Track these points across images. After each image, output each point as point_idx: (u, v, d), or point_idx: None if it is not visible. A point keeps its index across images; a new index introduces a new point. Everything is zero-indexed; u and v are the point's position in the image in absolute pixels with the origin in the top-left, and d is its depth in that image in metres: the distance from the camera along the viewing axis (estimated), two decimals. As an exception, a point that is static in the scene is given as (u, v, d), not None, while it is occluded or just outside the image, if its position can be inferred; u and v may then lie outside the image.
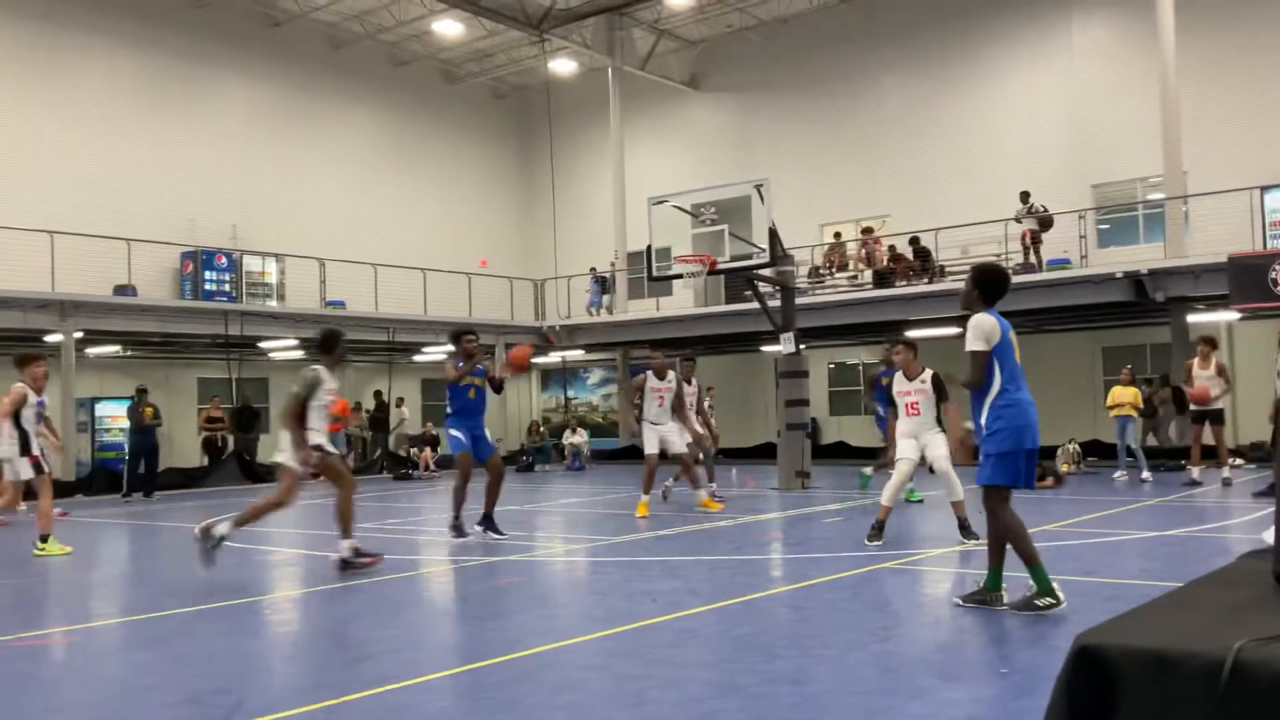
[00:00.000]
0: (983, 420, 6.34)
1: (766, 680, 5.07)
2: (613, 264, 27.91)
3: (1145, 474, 16.09)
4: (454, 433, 10.81)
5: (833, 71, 27.30)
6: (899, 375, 10.13)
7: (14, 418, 10.55)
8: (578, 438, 25.35)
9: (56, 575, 9.69)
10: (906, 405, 9.87)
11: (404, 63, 29.83)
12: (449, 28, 27.57)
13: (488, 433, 11.01)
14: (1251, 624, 2.12)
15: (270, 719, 4.68)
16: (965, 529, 9.54)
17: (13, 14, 22.43)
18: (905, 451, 9.82)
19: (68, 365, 19.90)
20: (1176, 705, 2.00)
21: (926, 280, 22.52)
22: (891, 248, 23.85)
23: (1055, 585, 6.33)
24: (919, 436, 9.81)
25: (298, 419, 8.76)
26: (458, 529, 10.88)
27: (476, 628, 6.92)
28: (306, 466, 8.75)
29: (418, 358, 27.66)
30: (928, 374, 9.89)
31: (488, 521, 11.02)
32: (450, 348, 11.31)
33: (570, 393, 31.31)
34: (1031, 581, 6.37)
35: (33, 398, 10.71)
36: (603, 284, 27.98)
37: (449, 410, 10.95)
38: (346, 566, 8.84)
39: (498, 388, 11.20)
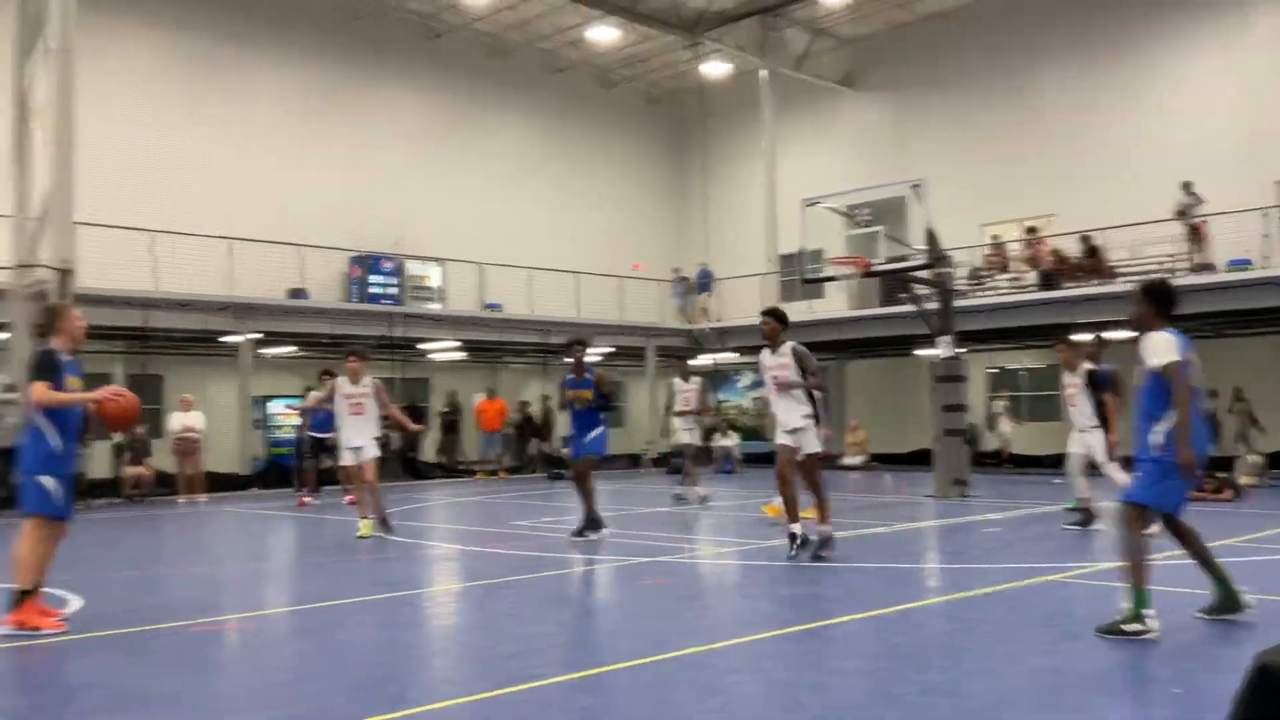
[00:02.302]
0: (1158, 439, 6.02)
1: (921, 691, 4.95)
2: (695, 268, 27.74)
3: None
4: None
5: (993, 66, 26.46)
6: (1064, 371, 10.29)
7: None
8: (728, 441, 25.31)
9: (234, 564, 10.25)
10: (1066, 399, 10.31)
11: (559, 69, 30.39)
12: (604, 34, 27.95)
13: (591, 435, 11.46)
14: None
15: (431, 708, 4.83)
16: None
17: (192, 33, 23.83)
18: (1071, 445, 10.33)
19: (244, 365, 21.00)
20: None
21: (1096, 282, 21.57)
22: (1055, 250, 22.94)
23: (1151, 614, 5.91)
24: (1081, 431, 10.20)
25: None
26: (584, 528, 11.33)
27: (626, 627, 6.98)
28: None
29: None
30: (1084, 369, 9.97)
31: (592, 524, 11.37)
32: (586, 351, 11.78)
33: (720, 396, 31.30)
34: (1127, 604, 5.99)
35: (346, 387, 11.80)
36: (686, 285, 27.77)
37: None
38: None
39: (604, 400, 11.39)
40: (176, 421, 18.78)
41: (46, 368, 6.65)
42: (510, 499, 18.13)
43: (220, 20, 24.17)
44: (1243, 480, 16.49)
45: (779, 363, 9.36)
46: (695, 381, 16.48)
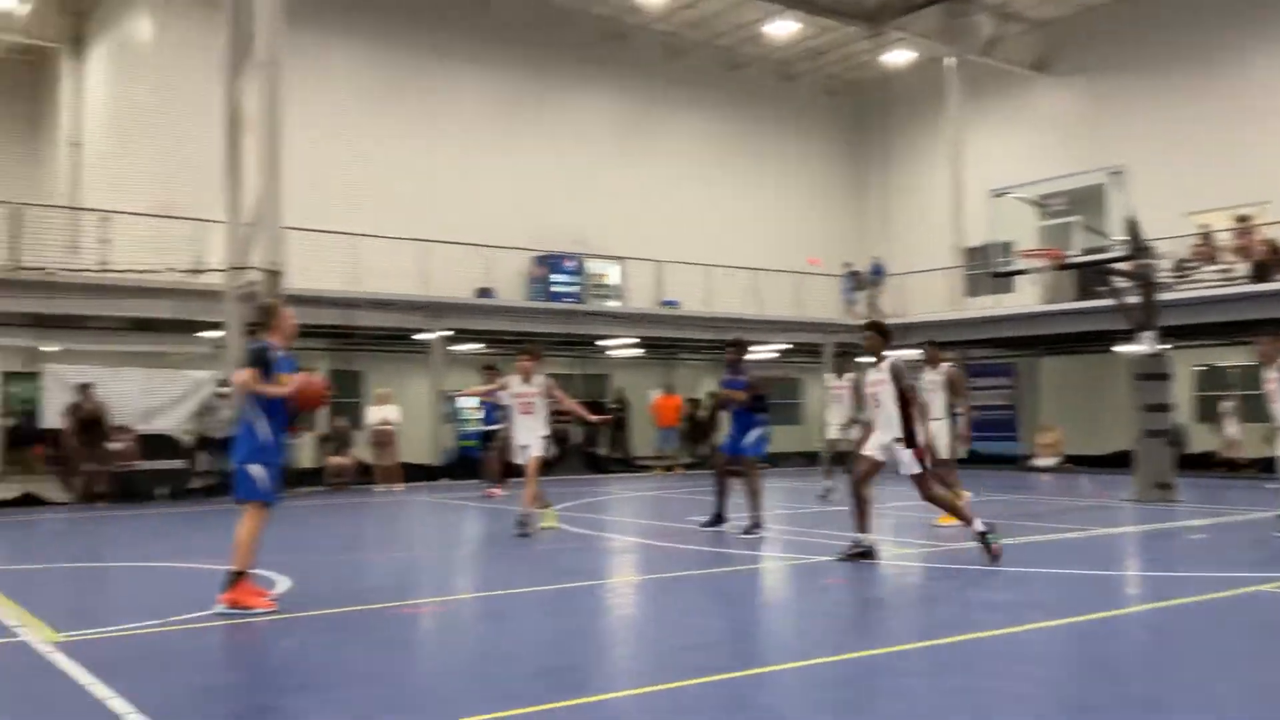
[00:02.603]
0: None
1: (1120, 703, 4.71)
2: (868, 261, 26.91)
3: None
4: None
5: (1198, 44, 24.84)
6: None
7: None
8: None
9: (427, 550, 10.69)
10: (1267, 396, 9.57)
11: (738, 66, 30.32)
12: (783, 28, 27.73)
13: (750, 436, 11.43)
14: None
15: (615, 696, 4.93)
16: None
17: (389, 44, 24.97)
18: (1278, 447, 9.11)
19: (436, 361, 21.87)
20: None
21: (1315, 273, 19.99)
22: (1269, 241, 21.35)
23: None
24: None
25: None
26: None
27: (805, 626, 6.92)
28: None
29: (748, 356, 27.97)
30: None
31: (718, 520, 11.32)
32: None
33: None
34: None
35: (517, 386, 11.83)
36: (856, 280, 27.05)
37: None
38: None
39: (757, 401, 11.29)
40: (374, 415, 19.72)
41: (258, 361, 7.10)
42: (685, 494, 18.23)
43: (415, 31, 25.26)
44: None
45: (877, 378, 9.06)
46: (848, 379, 16.01)
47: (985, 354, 28.59)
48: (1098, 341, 23.98)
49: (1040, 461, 24.20)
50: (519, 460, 11.80)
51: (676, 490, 19.07)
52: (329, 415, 20.22)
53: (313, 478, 19.62)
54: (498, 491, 17.48)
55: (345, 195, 22.89)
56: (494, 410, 16.96)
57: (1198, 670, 5.31)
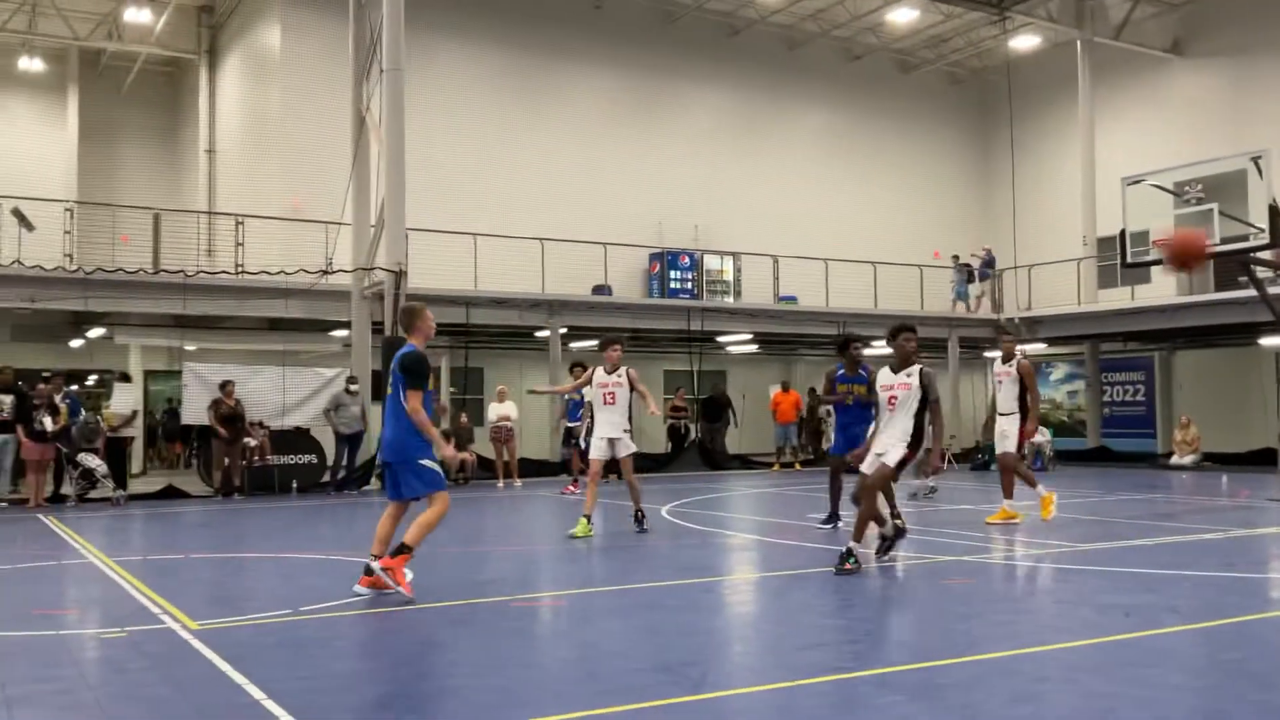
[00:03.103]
0: None
1: (1262, 712, 4.49)
2: (981, 253, 26.02)
3: None
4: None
5: (1352, 19, 23.46)
6: None
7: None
8: (1039, 436, 23.92)
9: (546, 545, 10.83)
10: None
11: (857, 56, 29.88)
12: (904, 15, 27.22)
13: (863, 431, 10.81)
14: None
15: (734, 693, 4.91)
16: None
17: (509, 47, 25.39)
18: None
19: (554, 358, 22.16)
20: None
21: None
22: None
23: None
24: None
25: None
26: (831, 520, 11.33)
27: (927, 626, 6.79)
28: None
29: (867, 351, 27.54)
30: None
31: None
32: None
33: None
34: None
35: (601, 376, 11.39)
36: (969, 273, 26.24)
37: None
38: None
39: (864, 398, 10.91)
40: (493, 411, 20.08)
41: (420, 374, 7.34)
42: (803, 491, 18.07)
43: (532, 32, 25.64)
44: None
45: (901, 382, 8.73)
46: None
47: (1119, 348, 27.59)
48: (1238, 334, 22.91)
49: (1178, 459, 23.21)
50: (597, 455, 11.30)
51: (794, 487, 18.91)
52: (452, 412, 20.66)
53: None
54: (573, 489, 17.24)
55: (467, 196, 23.40)
56: (579, 407, 16.98)
57: (1350, 681, 5.02)
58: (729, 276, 25.85)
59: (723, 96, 28.13)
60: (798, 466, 24.34)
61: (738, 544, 11.33)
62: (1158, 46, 27.01)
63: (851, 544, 8.53)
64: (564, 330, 22.49)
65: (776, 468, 23.95)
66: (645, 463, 22.75)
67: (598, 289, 23.53)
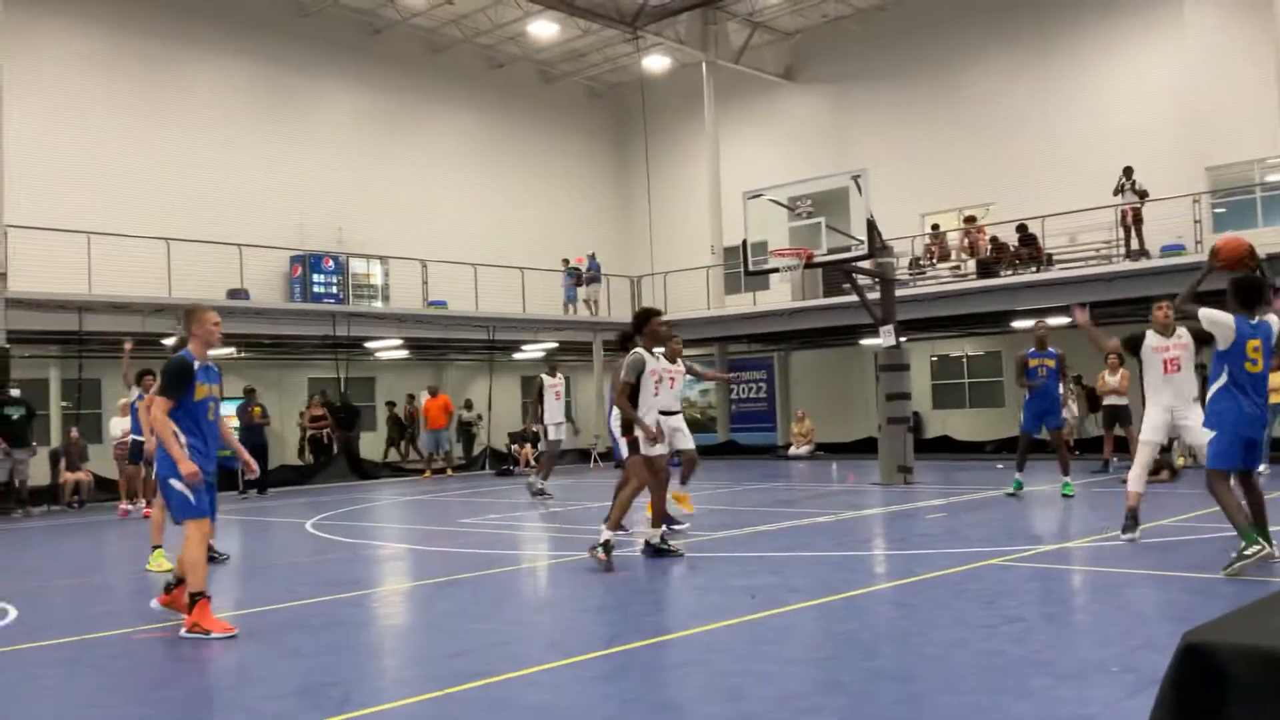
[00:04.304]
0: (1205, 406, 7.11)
1: (868, 678, 5.02)
2: (585, 258, 27.55)
3: (1262, 467, 15.16)
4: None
5: (931, 57, 26.79)
6: (1151, 333, 9.12)
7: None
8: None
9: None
10: (1165, 362, 9.02)
11: (500, 65, 30.23)
12: (544, 29, 27.85)
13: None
14: (1374, 623, 2.02)
15: (377, 710, 4.80)
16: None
17: (127, 30, 23.36)
18: (1151, 432, 8.96)
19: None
20: (1290, 707, 1.92)
21: (1034, 269, 21.95)
22: (994, 238, 23.31)
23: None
24: (1175, 408, 8.93)
25: (631, 402, 8.77)
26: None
27: (575, 622, 6.99)
28: (653, 442, 8.84)
29: (517, 355, 28.03)
30: (1184, 332, 8.95)
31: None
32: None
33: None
34: (1241, 541, 7.01)
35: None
36: (577, 276, 27.24)
37: None
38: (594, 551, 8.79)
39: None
40: (116, 427, 18.43)
41: (171, 378, 6.66)
42: (456, 497, 18.05)
43: (157, 17, 23.76)
44: (1179, 462, 16.86)
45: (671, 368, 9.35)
46: (560, 377, 16.29)
47: (744, 349, 29.75)
48: (844, 336, 25.44)
49: (795, 450, 25.41)
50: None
51: (447, 493, 18.83)
52: (63, 429, 18.73)
53: (48, 496, 18.12)
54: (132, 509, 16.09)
55: (79, 190, 21.30)
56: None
57: (938, 641, 5.72)
58: (376, 280, 25.29)
59: (365, 96, 27.47)
60: (450, 472, 24.26)
61: (387, 554, 11.11)
62: (772, 72, 29.45)
63: (608, 534, 8.68)
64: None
65: (428, 474, 23.73)
66: (288, 475, 21.78)
67: (233, 293, 22.18)
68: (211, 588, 6.76)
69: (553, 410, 15.75)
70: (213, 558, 9.76)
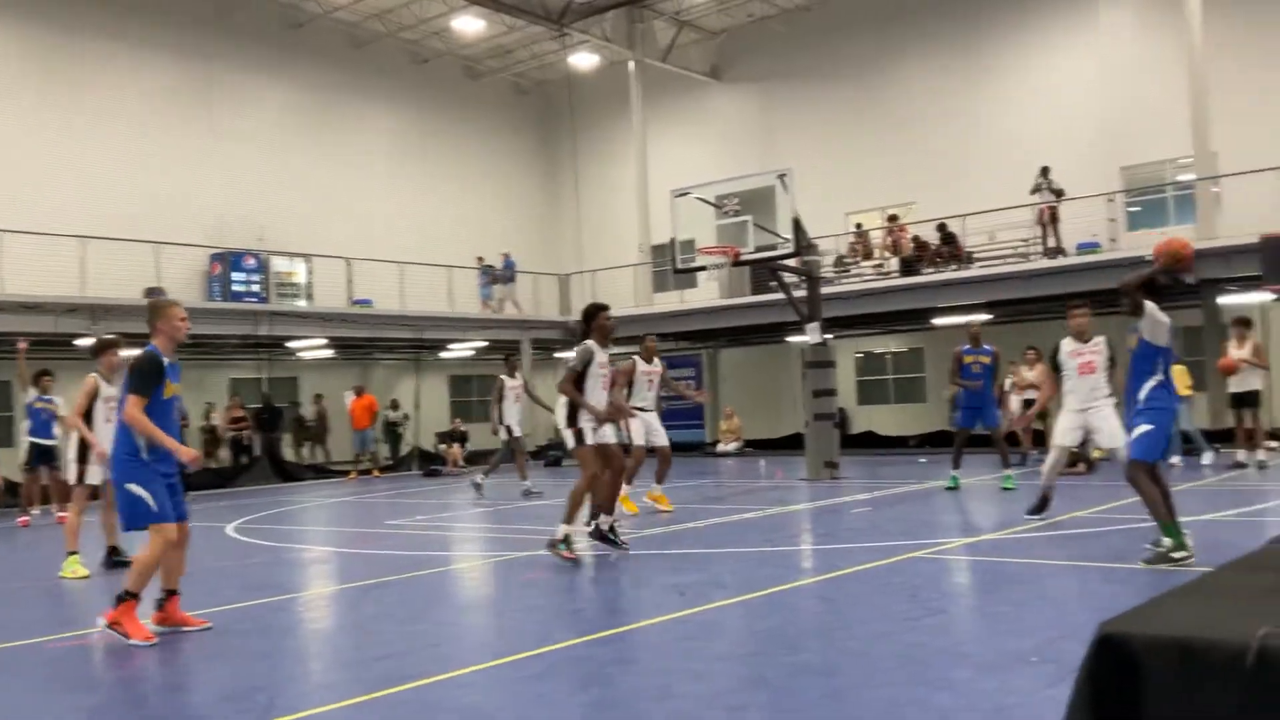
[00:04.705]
0: (1140, 400, 7.23)
1: (792, 673, 5.07)
2: (501, 257, 27.62)
3: (1207, 457, 15.64)
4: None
5: (855, 58, 27.14)
6: (1067, 340, 9.68)
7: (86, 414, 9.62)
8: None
9: (93, 574, 9.80)
10: (1080, 365, 9.55)
11: (425, 60, 29.93)
12: (469, 24, 27.62)
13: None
14: (1278, 610, 2.09)
15: (303, 715, 4.73)
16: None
17: (41, 24, 22.68)
18: (1064, 437, 9.59)
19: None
20: (1200, 694, 1.98)
21: (954, 267, 22.38)
22: (916, 237, 23.71)
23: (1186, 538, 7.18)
24: (1088, 408, 9.46)
25: (578, 391, 8.82)
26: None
27: (505, 623, 6.96)
28: (599, 424, 8.87)
29: (444, 354, 27.79)
30: (1101, 339, 9.59)
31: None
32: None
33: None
34: (1165, 538, 7.22)
35: (105, 389, 9.69)
36: (491, 274, 27.17)
37: None
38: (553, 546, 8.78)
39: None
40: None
41: (144, 374, 6.51)
42: (383, 498, 17.85)
43: (71, 9, 23.10)
44: (1095, 454, 17.33)
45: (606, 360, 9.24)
46: (520, 379, 16.30)
47: (672, 347, 29.87)
48: (772, 333, 25.67)
49: (724, 447, 25.58)
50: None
51: (373, 494, 18.61)
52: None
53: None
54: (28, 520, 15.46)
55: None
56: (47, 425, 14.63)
57: (861, 635, 5.80)
58: (300, 279, 24.86)
59: (287, 91, 26.99)
60: (376, 473, 23.97)
61: (312, 558, 10.95)
62: (699, 70, 29.59)
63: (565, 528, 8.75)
64: (110, 338, 20.43)
65: (354, 475, 23.42)
66: (210, 478, 21.32)
67: (150, 292, 21.61)
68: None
69: (511, 411, 15.84)
70: (124, 563, 9.54)
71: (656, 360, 12.54)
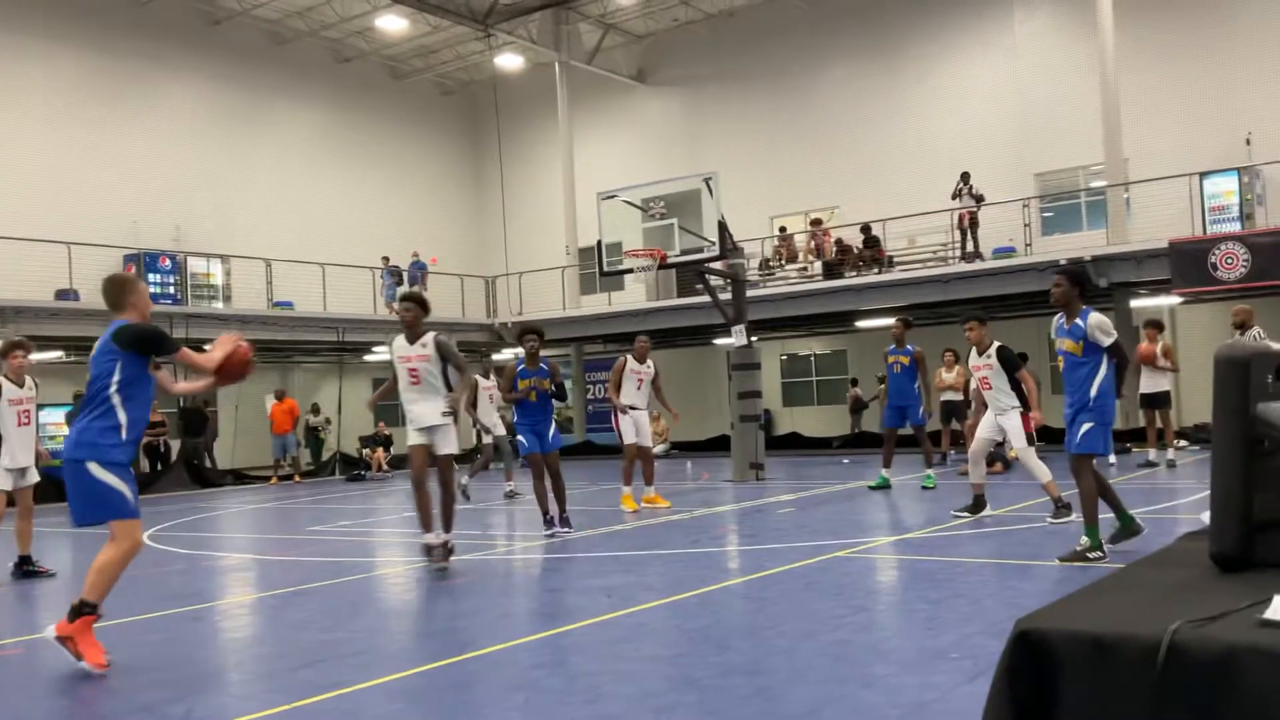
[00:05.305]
0: (1091, 396, 7.34)
1: (721, 672, 5.09)
2: (410, 258, 27.48)
3: (1111, 458, 16.10)
4: (519, 436, 10.76)
5: (779, 63, 27.42)
6: (973, 351, 10.21)
7: None
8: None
9: (3, 584, 9.49)
10: (980, 379, 10.25)
11: (348, 59, 29.52)
12: (392, 24, 27.32)
13: (553, 429, 10.79)
14: (1189, 605, 2.15)
15: (220, 727, 4.62)
16: (1062, 507, 9.40)
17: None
18: (985, 429, 10.19)
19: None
20: (1115, 688, 2.02)
21: (876, 271, 22.72)
22: (839, 240, 24.03)
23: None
24: (997, 414, 10.07)
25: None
26: (549, 524, 10.71)
27: (430, 629, 6.88)
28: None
29: (368, 357, 27.42)
30: (994, 350, 10.05)
31: (563, 522, 10.76)
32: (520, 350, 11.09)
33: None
34: (1085, 537, 7.44)
35: (12, 391, 9.51)
36: (398, 275, 26.89)
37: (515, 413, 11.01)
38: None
39: (559, 389, 10.91)
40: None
41: (153, 340, 5.96)
42: (304, 504, 17.56)
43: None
44: (1011, 454, 17.71)
45: (419, 354, 9.03)
46: (493, 380, 16.24)
47: (600, 349, 29.85)
48: (699, 335, 25.81)
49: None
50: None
51: (294, 500, 18.29)
52: None
53: None
54: None
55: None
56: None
57: (787, 633, 5.85)
58: (217, 280, 24.34)
59: (205, 88, 26.41)
60: (298, 479, 23.57)
61: (231, 565, 10.72)
62: (625, 73, 29.65)
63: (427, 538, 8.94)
64: (17, 339, 19.80)
65: (274, 481, 22.99)
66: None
67: (62, 294, 21.02)
68: (41, 606, 6.38)
69: (486, 411, 15.79)
70: (38, 573, 9.25)
71: (650, 363, 12.99)
